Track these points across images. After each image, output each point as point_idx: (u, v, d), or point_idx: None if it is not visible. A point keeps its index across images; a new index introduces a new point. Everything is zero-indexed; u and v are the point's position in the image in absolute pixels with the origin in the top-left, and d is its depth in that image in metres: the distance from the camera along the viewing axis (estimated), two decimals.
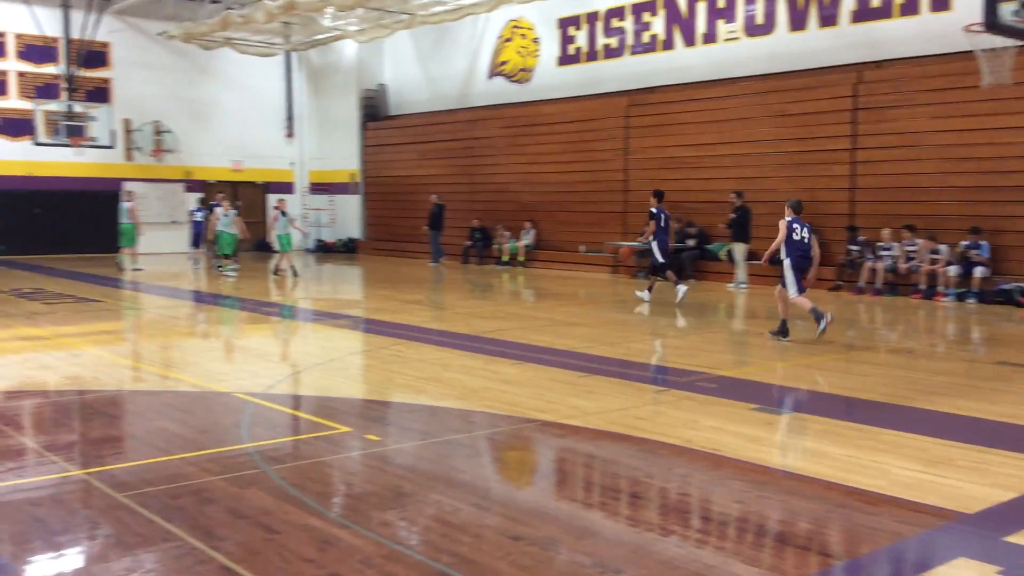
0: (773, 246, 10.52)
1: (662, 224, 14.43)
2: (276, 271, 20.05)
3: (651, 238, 14.50)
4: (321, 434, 6.42)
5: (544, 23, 22.95)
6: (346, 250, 27.96)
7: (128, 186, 25.24)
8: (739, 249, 17.10)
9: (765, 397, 7.72)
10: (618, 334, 11.44)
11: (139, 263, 21.08)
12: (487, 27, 24.49)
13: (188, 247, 21.51)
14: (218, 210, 20.31)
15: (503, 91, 24.20)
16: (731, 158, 18.70)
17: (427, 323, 12.23)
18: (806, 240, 10.41)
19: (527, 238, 22.43)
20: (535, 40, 23.27)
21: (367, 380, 8.64)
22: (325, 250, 27.96)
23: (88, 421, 6.98)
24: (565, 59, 22.58)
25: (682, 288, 14.25)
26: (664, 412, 7.05)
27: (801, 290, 10.44)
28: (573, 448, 6.16)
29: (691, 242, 18.68)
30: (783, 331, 10.62)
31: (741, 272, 17.13)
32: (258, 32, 25.21)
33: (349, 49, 27.69)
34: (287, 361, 9.83)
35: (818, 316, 10.31)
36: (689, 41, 19.97)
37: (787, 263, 10.44)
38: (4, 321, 12.17)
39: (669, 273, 14.60)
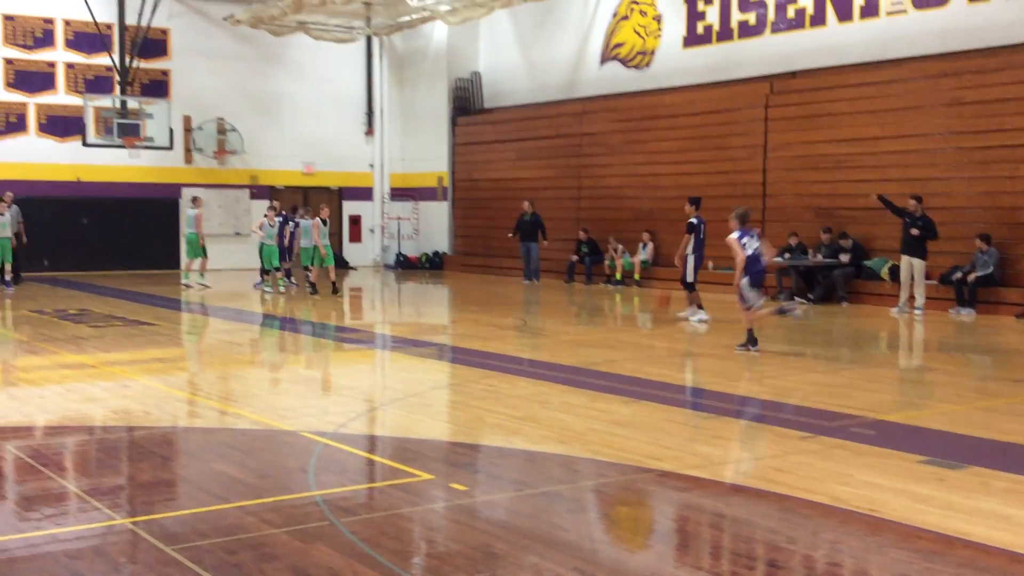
0: (738, 272, 11.70)
1: (701, 236, 15.03)
2: (312, 288, 20.31)
3: (689, 253, 15.07)
4: (399, 482, 6.49)
5: None
6: (431, 266, 28.34)
7: (190, 191, 26.21)
8: (917, 267, 16.55)
9: (936, 447, 7.46)
10: (753, 368, 11.24)
11: (206, 278, 21.77)
12: (600, 4, 24.59)
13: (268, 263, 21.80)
14: (303, 223, 20.85)
15: (617, 78, 24.20)
16: (894, 155, 18.23)
17: (524, 352, 12.27)
18: (757, 250, 11.68)
19: (644, 252, 22.31)
20: (657, 18, 23.22)
21: (453, 419, 8.72)
22: (407, 266, 28.40)
23: (137, 462, 7.23)
24: (692, 39, 22.46)
25: (702, 315, 14.86)
26: (809, 463, 6.89)
27: (760, 298, 11.89)
28: (697, 505, 6.07)
29: (844, 257, 18.26)
30: (751, 340, 11.85)
31: (919, 294, 16.55)
32: (335, 15, 25.87)
33: (438, 33, 28.16)
34: (361, 396, 10.00)
35: (781, 310, 12.63)
36: (844, 15, 19.61)
37: (745, 282, 11.68)
38: (47, 347, 12.75)
39: (694, 295, 15.20)
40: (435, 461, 7.16)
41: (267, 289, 20.74)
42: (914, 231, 16.38)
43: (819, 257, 18.49)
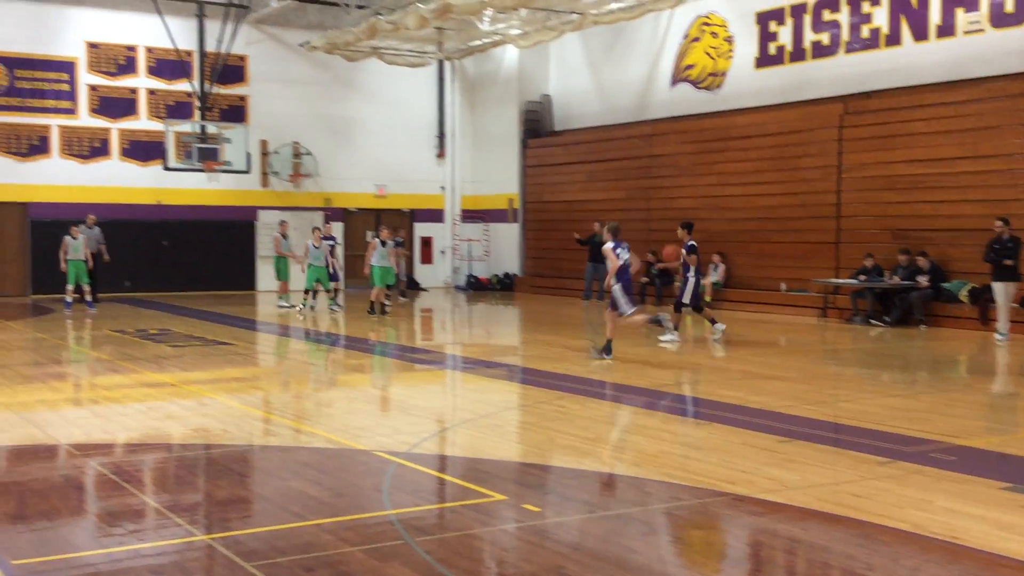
0: (611, 276, 13.17)
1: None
2: (381, 308, 20.20)
3: (691, 275, 15.50)
4: (472, 502, 6.52)
5: (739, 18, 22.80)
6: (502, 287, 28.44)
7: (266, 214, 26.66)
8: (1011, 291, 16.00)
9: (1020, 473, 7.28)
10: (828, 391, 11.09)
11: (289, 299, 22.10)
12: (671, 25, 24.54)
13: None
14: (375, 241, 20.97)
15: (688, 100, 24.12)
16: (973, 176, 17.87)
17: (595, 374, 12.25)
18: (627, 261, 13.23)
19: (715, 274, 22.15)
20: (728, 39, 23.12)
21: (525, 440, 8.73)
22: (478, 287, 28.53)
23: (216, 479, 7.37)
24: (764, 60, 22.31)
25: (671, 337, 15.21)
26: (888, 489, 6.76)
27: (632, 305, 13.27)
28: (773, 530, 6.00)
29: (922, 279, 17.92)
30: (607, 349, 13.09)
31: (1002, 320, 16.01)
32: (408, 40, 26.19)
33: (509, 56, 28.35)
34: (433, 416, 10.06)
35: (656, 320, 13.88)
36: (920, 35, 19.32)
37: (618, 288, 13.15)
38: (129, 366, 13.05)
39: (670, 315, 15.50)
40: (507, 482, 7.18)
41: (286, 305, 21.13)
42: (1008, 262, 15.84)
43: (896, 279, 18.17)
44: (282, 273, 22.45)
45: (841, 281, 19.24)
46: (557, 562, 5.29)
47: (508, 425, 9.56)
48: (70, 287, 21.18)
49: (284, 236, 22.60)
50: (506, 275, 28.68)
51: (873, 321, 18.21)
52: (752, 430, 8.71)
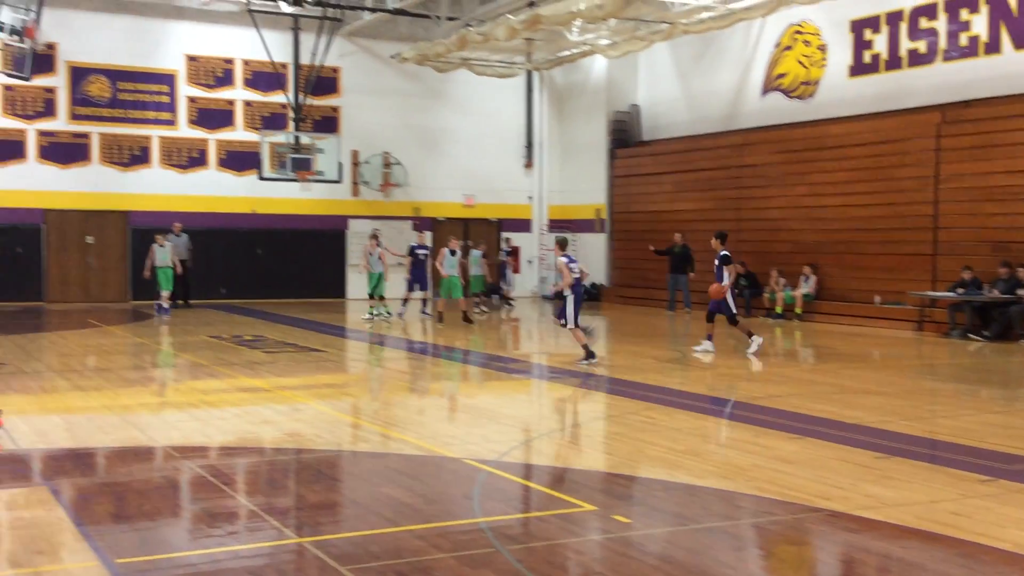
0: (564, 283, 13.66)
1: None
2: (440, 317, 20.54)
3: (729, 285, 15.10)
4: (561, 511, 6.53)
5: (833, 26, 22.44)
6: (589, 297, 28.26)
7: (356, 223, 27.07)
8: None
9: None
10: (925, 406, 10.84)
11: (382, 308, 22.26)
12: (762, 34, 24.28)
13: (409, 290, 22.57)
14: (444, 250, 21.18)
15: (779, 109, 23.82)
16: None
17: (684, 385, 12.16)
18: (579, 272, 13.65)
19: (806, 286, 21.80)
20: (821, 47, 22.78)
21: (613, 451, 8.71)
22: (564, 297, 28.49)
23: (310, 483, 7.50)
24: (859, 68, 21.92)
25: (706, 346, 15.21)
26: (988, 507, 6.59)
27: (577, 320, 13.68)
28: (868, 547, 5.88)
29: (1023, 292, 17.40)
30: (589, 354, 13.66)
31: None
32: (497, 51, 26.39)
33: (598, 66, 28.35)
34: (522, 425, 10.09)
35: (586, 330, 13.92)
36: (1020, 42, 18.80)
37: (571, 298, 13.61)
38: (224, 371, 13.35)
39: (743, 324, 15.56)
40: (596, 492, 7.17)
41: (370, 315, 21.24)
42: None
43: (995, 292, 17.68)
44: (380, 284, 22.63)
45: (938, 294, 18.78)
46: (647, 574, 5.27)
47: (596, 435, 9.55)
48: (164, 293, 21.82)
49: (378, 244, 22.56)
50: (593, 285, 28.58)
51: (972, 336, 17.74)
52: (847, 445, 8.55)
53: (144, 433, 9.10)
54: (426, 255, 22.12)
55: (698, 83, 26.30)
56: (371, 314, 21.23)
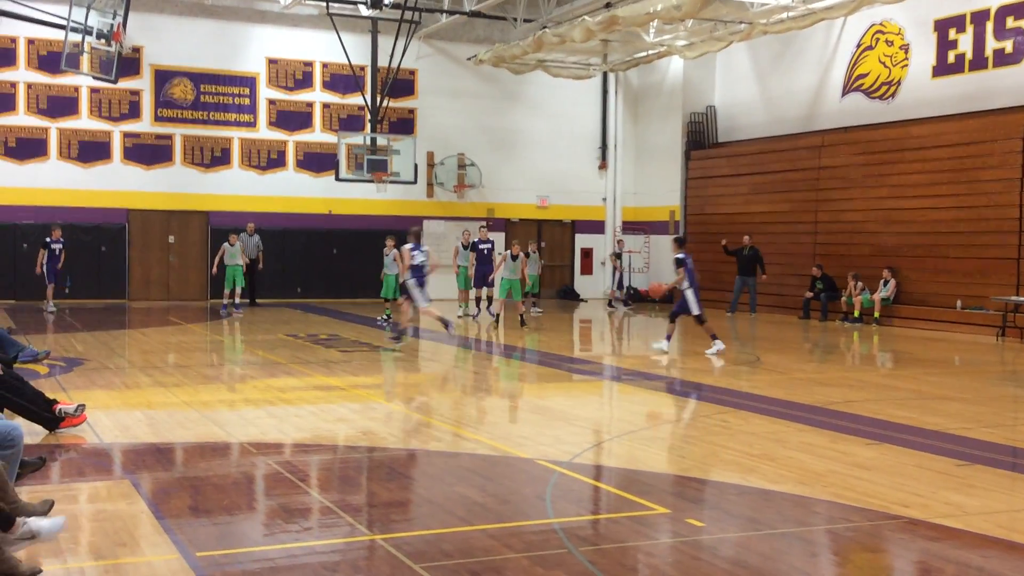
0: (403, 272, 15.95)
1: (690, 268, 15.92)
2: (521, 320, 20.42)
3: (686, 287, 15.84)
4: (634, 514, 6.50)
5: (916, 26, 22.00)
6: (662, 299, 28.14)
7: (431, 224, 27.25)
8: None
9: None
10: (1008, 413, 10.57)
11: (467, 308, 22.50)
12: (843, 34, 23.90)
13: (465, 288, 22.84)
14: (506, 254, 21.18)
15: (860, 110, 23.42)
16: None
17: (758, 389, 12.02)
18: (424, 262, 15.76)
19: (885, 290, 21.40)
20: (904, 47, 22.35)
21: (686, 453, 8.64)
22: (638, 299, 28.36)
23: (384, 481, 7.57)
24: (942, 69, 21.46)
25: (718, 345, 15.76)
26: None
27: (427, 300, 15.85)
28: (947, 556, 5.76)
29: None
30: (399, 337, 16.02)
31: None
32: (573, 52, 26.38)
33: (674, 67, 28.17)
34: (593, 426, 10.07)
35: (445, 322, 15.82)
36: None
37: (412, 282, 15.72)
38: (301, 369, 13.54)
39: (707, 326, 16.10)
40: (669, 495, 7.13)
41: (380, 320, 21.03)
42: None
43: None
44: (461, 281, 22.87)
45: (1022, 299, 18.30)
46: None
47: (669, 438, 9.49)
48: (227, 291, 22.26)
49: (464, 247, 22.69)
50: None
51: None
52: (926, 452, 8.38)
53: (223, 429, 9.27)
54: (490, 250, 22.00)
55: (776, 84, 25.99)
56: (386, 318, 20.78)
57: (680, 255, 16.11)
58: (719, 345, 15.71)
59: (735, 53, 26.44)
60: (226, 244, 22.61)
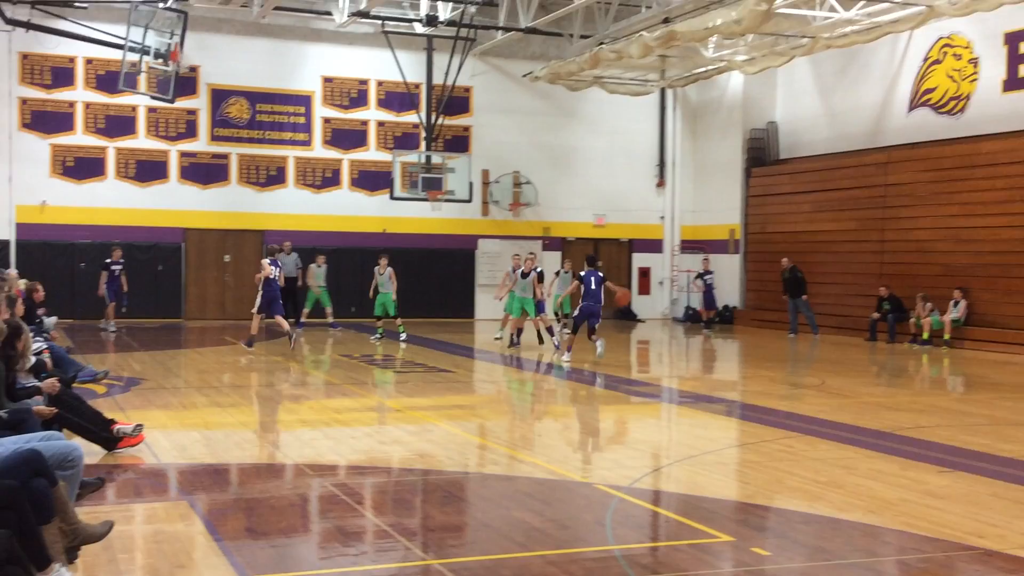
0: (259, 284, 18.25)
1: (591, 288, 17.35)
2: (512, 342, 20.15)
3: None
4: (696, 541, 6.44)
5: (985, 39, 21.67)
6: (721, 320, 27.96)
7: (486, 243, 27.35)
8: None
9: None
10: None
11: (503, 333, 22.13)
12: (909, 48, 23.62)
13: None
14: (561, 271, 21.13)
15: (927, 125, 23.11)
16: None
17: (824, 413, 11.87)
18: (276, 276, 18.11)
19: (955, 311, 21.02)
20: (973, 61, 22.02)
21: (749, 480, 8.55)
22: (696, 320, 28.18)
23: (440, 504, 7.58)
24: (1013, 83, 21.10)
25: (564, 358, 17.23)
26: None
27: (280, 312, 18.32)
28: None
29: None
30: (250, 343, 17.87)
31: None
32: (631, 68, 26.33)
33: (734, 82, 28.03)
34: (654, 450, 10.01)
35: (290, 335, 18.03)
36: None
37: (262, 296, 17.98)
38: (356, 389, 13.64)
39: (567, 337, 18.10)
40: (732, 522, 7.05)
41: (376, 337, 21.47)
42: None
43: None
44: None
45: None
46: None
47: (732, 463, 9.40)
48: (307, 311, 22.56)
49: (556, 275, 22.63)
50: (726, 307, 28.20)
51: None
52: (1002, 480, 8.21)
53: (279, 449, 9.36)
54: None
55: (840, 99, 25.75)
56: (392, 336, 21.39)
57: (582, 272, 17.62)
58: (567, 357, 17.16)
59: (797, 68, 26.23)
60: (312, 266, 22.90)
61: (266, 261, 18.15)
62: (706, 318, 26.53)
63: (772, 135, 27.96)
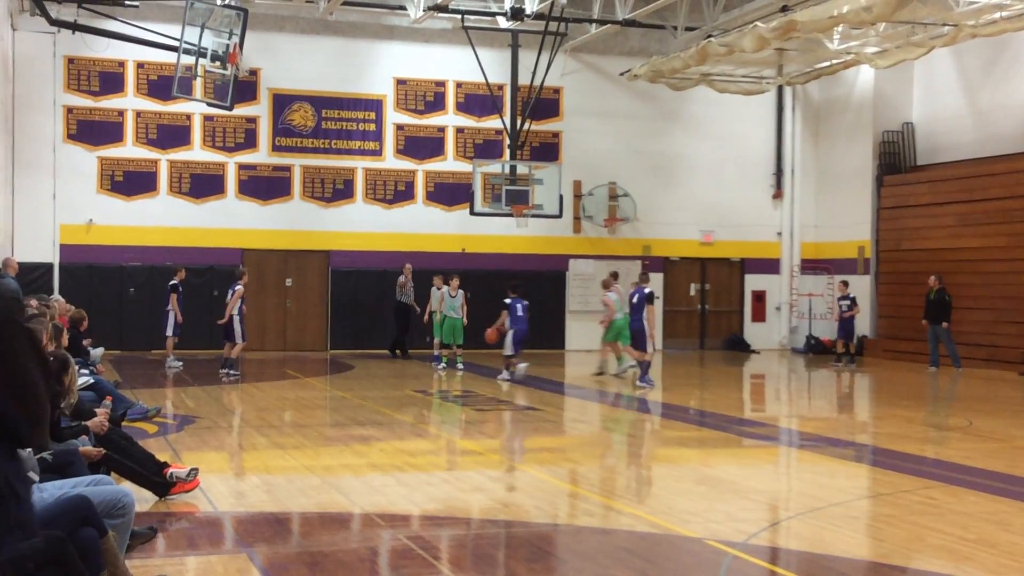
0: (232, 307, 19.71)
1: (519, 314, 20.15)
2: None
3: (508, 328, 20.04)
4: None
5: None
6: (849, 350, 27.54)
7: (578, 263, 27.40)
8: None
9: None
10: None
11: (623, 361, 21.91)
12: None
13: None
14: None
15: None
16: None
17: (972, 459, 11.63)
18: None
19: None
20: None
21: (885, 536, 8.41)
22: (820, 350, 27.80)
23: (529, 561, 7.59)
24: None
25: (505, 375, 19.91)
26: None
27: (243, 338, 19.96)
28: None
29: None
30: (232, 366, 19.83)
31: None
32: (743, 64, 26.22)
33: (863, 79, 27.75)
34: (772, 501, 9.90)
35: (229, 367, 19.86)
36: None
37: (237, 319, 19.70)
38: (432, 430, 13.76)
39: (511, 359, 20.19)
40: None
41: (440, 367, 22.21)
42: None
43: None
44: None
45: None
46: None
47: (863, 517, 9.26)
48: (438, 340, 23.18)
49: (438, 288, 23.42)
50: (855, 337, 27.76)
51: None
52: None
53: (346, 497, 9.47)
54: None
55: (988, 96, 25.32)
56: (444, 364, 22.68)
57: (508, 300, 20.24)
58: (505, 375, 19.87)
59: (937, 61, 25.88)
60: (433, 289, 23.45)
61: (238, 288, 19.98)
62: (841, 350, 25.28)
63: (908, 138, 27.62)
